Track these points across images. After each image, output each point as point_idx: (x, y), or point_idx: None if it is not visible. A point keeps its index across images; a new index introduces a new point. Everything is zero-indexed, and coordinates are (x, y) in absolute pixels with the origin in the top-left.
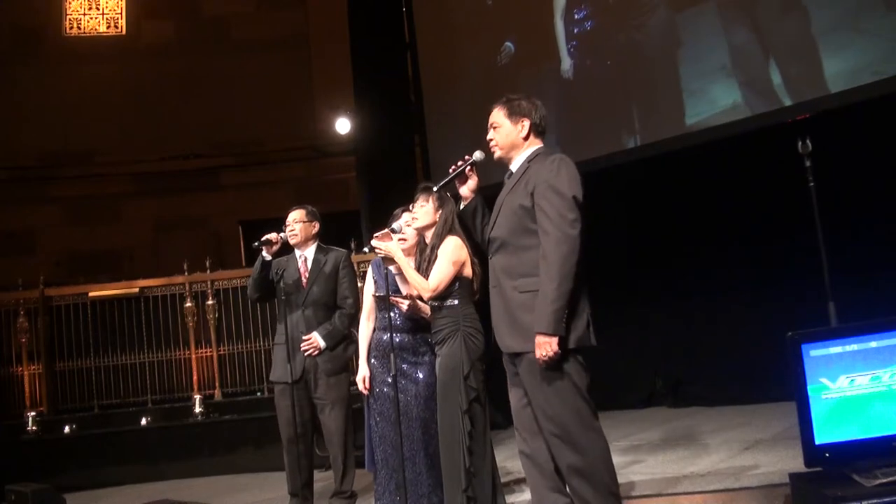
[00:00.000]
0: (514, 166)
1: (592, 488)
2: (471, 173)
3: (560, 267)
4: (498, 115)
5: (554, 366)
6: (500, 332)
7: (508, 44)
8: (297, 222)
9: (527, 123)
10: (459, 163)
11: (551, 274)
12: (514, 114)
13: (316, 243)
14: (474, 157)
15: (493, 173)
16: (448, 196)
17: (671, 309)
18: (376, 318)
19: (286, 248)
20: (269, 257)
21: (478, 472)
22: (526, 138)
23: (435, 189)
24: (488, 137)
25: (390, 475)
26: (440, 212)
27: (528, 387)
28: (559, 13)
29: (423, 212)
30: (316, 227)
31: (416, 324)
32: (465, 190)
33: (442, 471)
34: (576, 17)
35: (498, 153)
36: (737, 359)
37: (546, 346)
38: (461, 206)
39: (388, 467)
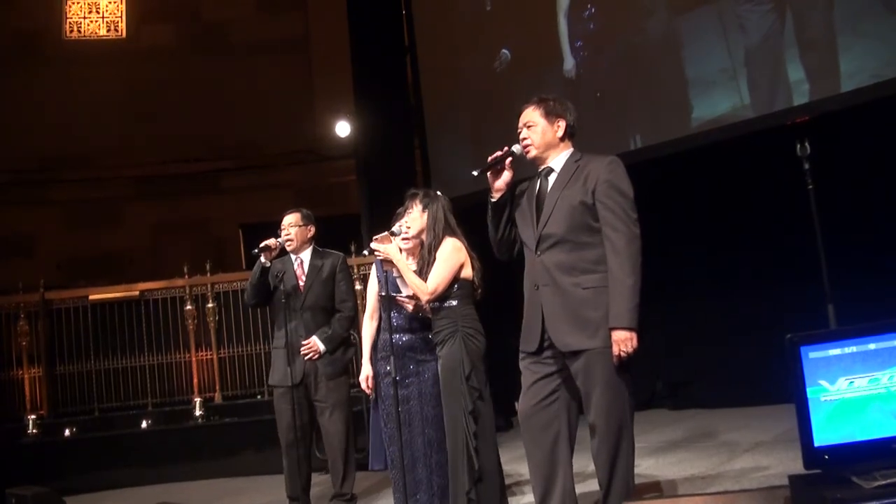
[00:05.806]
0: (556, 165)
1: (619, 485)
2: (508, 166)
3: (633, 263)
4: (533, 115)
5: (620, 363)
6: (558, 329)
7: (505, 51)
8: (292, 226)
9: (563, 124)
10: (499, 153)
11: (626, 270)
12: (551, 113)
13: (312, 247)
14: (514, 149)
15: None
16: (435, 193)
17: (671, 311)
18: (380, 318)
19: (283, 251)
20: (267, 263)
21: (484, 472)
22: (562, 139)
23: (476, 174)
24: (522, 136)
25: (401, 475)
26: (427, 211)
27: (587, 384)
28: (562, 13)
29: (412, 219)
30: (311, 230)
31: (423, 323)
32: (500, 183)
33: (449, 472)
34: (578, 18)
35: (533, 152)
36: (736, 361)
37: (628, 342)
38: (493, 199)
39: (397, 467)
